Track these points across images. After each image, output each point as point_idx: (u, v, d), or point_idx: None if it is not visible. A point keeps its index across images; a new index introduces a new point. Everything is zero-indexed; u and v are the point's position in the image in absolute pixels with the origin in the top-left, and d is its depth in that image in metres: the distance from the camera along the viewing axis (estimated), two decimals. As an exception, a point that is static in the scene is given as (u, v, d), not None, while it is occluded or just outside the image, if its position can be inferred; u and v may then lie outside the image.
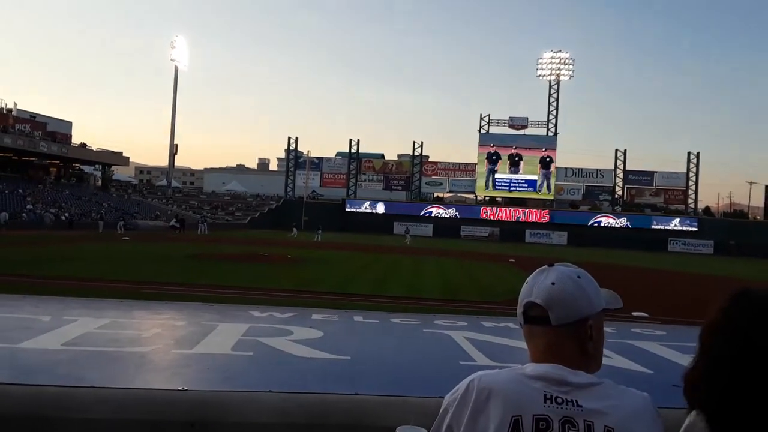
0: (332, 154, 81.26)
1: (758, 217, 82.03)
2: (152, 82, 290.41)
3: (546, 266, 1.48)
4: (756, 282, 25.43)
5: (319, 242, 44.82)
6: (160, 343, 5.87)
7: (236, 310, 9.93)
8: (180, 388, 3.45)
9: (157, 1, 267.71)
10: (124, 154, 76.37)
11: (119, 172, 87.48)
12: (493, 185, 74.43)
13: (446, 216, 72.22)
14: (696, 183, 71.94)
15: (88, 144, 69.78)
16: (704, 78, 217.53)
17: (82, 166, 73.36)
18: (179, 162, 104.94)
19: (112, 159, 74.11)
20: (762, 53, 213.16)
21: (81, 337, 5.50)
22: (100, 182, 73.82)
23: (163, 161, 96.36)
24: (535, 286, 1.44)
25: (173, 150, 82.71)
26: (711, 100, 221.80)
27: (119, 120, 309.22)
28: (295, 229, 53.20)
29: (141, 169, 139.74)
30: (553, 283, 1.41)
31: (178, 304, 10.63)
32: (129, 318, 7.40)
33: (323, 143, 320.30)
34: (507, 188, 74.61)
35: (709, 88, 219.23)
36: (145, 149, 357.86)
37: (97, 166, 74.29)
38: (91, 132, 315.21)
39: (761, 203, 79.38)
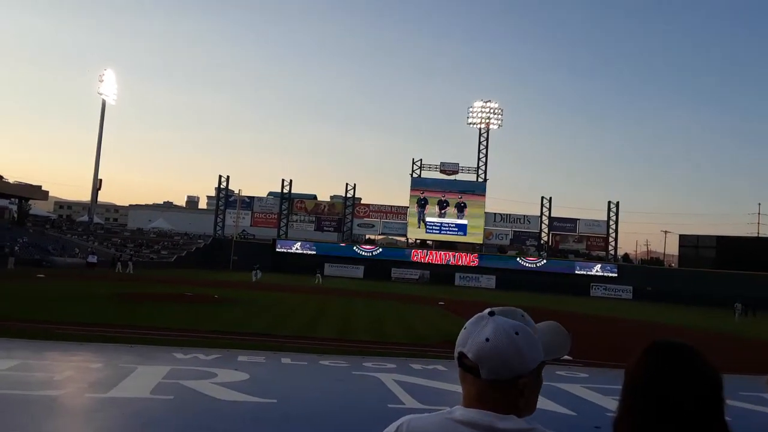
0: (264, 194, 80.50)
1: (673, 265, 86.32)
2: (77, 116, 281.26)
3: (487, 314, 1.42)
4: (670, 329, 26.41)
5: (252, 282, 44.03)
6: (72, 387, 5.53)
7: (157, 352, 9.52)
8: (92, 435, 3.26)
9: (85, 34, 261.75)
10: (43, 188, 73.09)
11: (38, 207, 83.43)
12: (425, 228, 75.46)
13: (377, 258, 72.41)
14: (616, 231, 75.29)
15: (4, 176, 66.47)
16: (624, 131, 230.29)
17: (-4, 199, 69.62)
18: (103, 198, 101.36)
19: (30, 193, 70.71)
20: (676, 110, 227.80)
21: (-15, 381, 5.11)
22: (15, 216, 70.16)
23: (86, 196, 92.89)
24: (470, 337, 1.39)
25: (97, 185, 79.83)
26: (631, 152, 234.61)
27: (40, 153, 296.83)
28: (258, 272, 50.99)
29: (61, 204, 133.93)
30: (487, 339, 1.36)
31: (94, 345, 10.12)
32: (40, 359, 6.97)
33: (255, 183, 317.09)
34: (438, 231, 75.75)
35: (629, 141, 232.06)
36: (67, 184, 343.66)
37: (13, 199, 70.68)
38: (8, 164, 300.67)
39: (676, 251, 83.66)
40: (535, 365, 1.39)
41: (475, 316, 1.44)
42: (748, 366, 15.45)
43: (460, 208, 74.75)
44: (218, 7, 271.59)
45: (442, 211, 75.02)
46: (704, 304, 52.39)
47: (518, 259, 73.89)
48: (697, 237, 76.87)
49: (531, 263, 72.48)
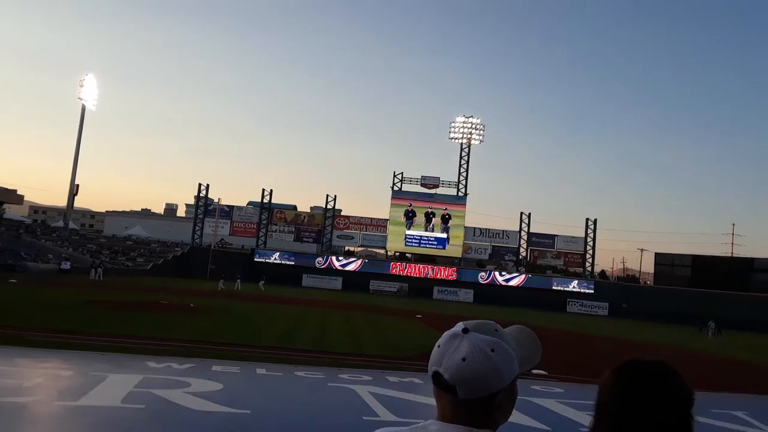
0: (244, 203, 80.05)
1: (648, 282, 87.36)
2: (56, 121, 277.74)
3: (461, 331, 1.37)
4: (644, 346, 26.70)
5: (228, 291, 43.88)
6: (41, 394, 5.43)
7: (130, 360, 9.38)
8: (60, 443, 3.19)
9: (66, 38, 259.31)
10: (18, 192, 71.94)
11: (12, 211, 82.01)
12: (405, 241, 75.49)
13: (356, 270, 72.27)
14: (593, 248, 75.95)
15: (-22, 179, 65.40)
16: (603, 149, 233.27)
17: (-31, 202, 68.37)
18: (80, 203, 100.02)
19: (5, 197, 69.54)
20: (654, 130, 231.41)
21: (-50, 387, 4.99)
22: (-12, 220, 68.89)
23: (61, 202, 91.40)
24: (446, 356, 1.35)
25: (73, 190, 78.74)
26: (609, 170, 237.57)
27: (16, 156, 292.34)
28: (239, 280, 51.56)
29: (36, 209, 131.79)
30: (463, 359, 1.32)
31: (64, 352, 9.94)
32: (10, 365, 6.83)
33: (235, 192, 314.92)
34: (417, 245, 75.85)
35: (608, 159, 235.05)
36: (43, 188, 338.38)
37: (-14, 202, 69.48)
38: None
39: (652, 269, 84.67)
40: (510, 379, 1.37)
41: (448, 333, 1.39)
42: (719, 383, 15.65)
43: (445, 220, 74.86)
44: (201, 14, 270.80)
45: (428, 224, 75.06)
46: (678, 322, 52.98)
47: (496, 273, 74.25)
48: (673, 256, 77.91)
49: (508, 278, 72.83)
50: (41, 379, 6.00)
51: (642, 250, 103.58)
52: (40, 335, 13.89)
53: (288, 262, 71.72)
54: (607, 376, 1.39)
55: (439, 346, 1.39)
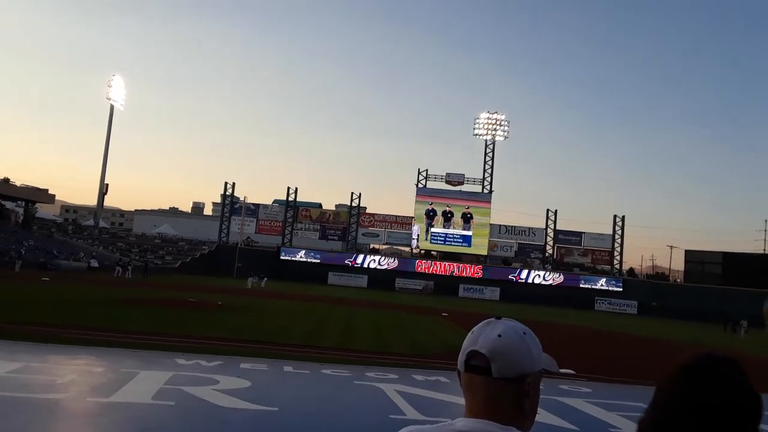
0: (269, 202, 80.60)
1: (678, 280, 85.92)
2: (86, 121, 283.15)
3: (494, 318, 1.47)
4: (675, 345, 26.24)
5: (255, 289, 44.51)
6: (75, 390, 5.54)
7: (160, 357, 9.53)
8: (94, 439, 3.25)
9: (95, 39, 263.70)
10: (50, 192, 73.40)
11: (44, 210, 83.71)
12: (430, 239, 75.33)
13: (381, 268, 72.33)
14: (621, 245, 74.93)
15: (11, 179, 66.83)
16: (632, 145, 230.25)
17: (3, 202, 69.97)
18: (109, 202, 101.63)
19: (37, 196, 71.07)
20: (683, 125, 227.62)
21: (-12, 383, 5.12)
22: (21, 219, 70.43)
23: (92, 201, 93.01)
24: (482, 336, 1.42)
25: (103, 189, 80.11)
26: (638, 166, 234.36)
27: (48, 156, 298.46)
28: (265, 278, 52.19)
29: (67, 208, 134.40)
30: (499, 336, 1.40)
31: (97, 349, 10.13)
32: (44, 362, 6.98)
33: (261, 190, 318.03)
34: (442, 242, 75.61)
35: (636, 154, 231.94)
36: (74, 188, 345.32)
37: (19, 202, 70.99)
38: (16, 167, 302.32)
39: (681, 267, 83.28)
40: (540, 366, 1.43)
41: (482, 321, 1.48)
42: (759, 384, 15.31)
43: (467, 219, 74.59)
44: (226, 14, 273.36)
45: (447, 223, 74.86)
46: (709, 321, 52.00)
47: (523, 271, 73.70)
48: (703, 253, 76.54)
49: (535, 275, 72.24)
50: (74, 375, 6.13)
51: (672, 247, 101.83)
52: (72, 332, 14.17)
53: (313, 260, 72.07)
54: (677, 366, 1.36)
55: (473, 332, 1.46)
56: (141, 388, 5.46)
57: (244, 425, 4.35)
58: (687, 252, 79.12)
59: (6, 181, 65.49)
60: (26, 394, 4.58)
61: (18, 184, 67.48)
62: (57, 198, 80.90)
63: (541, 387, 1.48)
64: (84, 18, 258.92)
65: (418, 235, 74.55)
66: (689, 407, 1.28)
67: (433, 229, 74.82)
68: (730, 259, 71.96)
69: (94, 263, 52.51)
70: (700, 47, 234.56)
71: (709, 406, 1.26)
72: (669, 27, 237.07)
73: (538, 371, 1.43)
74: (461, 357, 1.45)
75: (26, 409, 4.20)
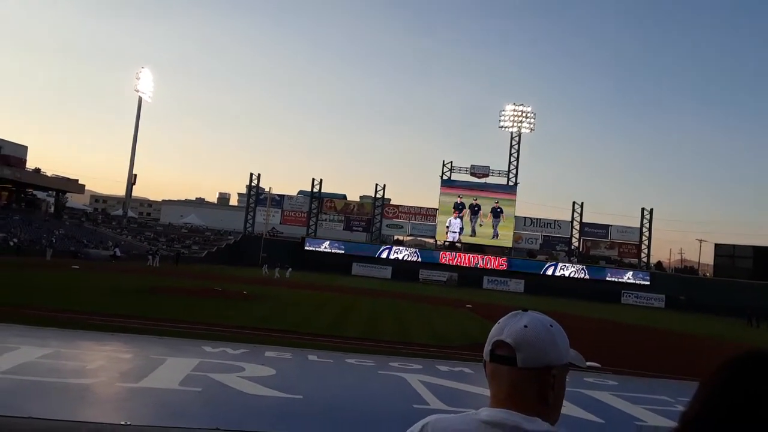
0: (294, 192, 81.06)
1: (708, 274, 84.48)
2: (114, 112, 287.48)
3: (520, 311, 1.48)
4: (703, 340, 25.85)
5: (279, 280, 44.96)
6: (104, 376, 5.66)
7: (187, 345, 9.68)
8: (122, 423, 3.32)
9: (124, 31, 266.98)
10: (80, 182, 74.72)
11: (74, 200, 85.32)
12: (461, 232, 74.93)
13: (405, 259, 72.36)
14: (649, 238, 73.88)
15: (42, 169, 68.13)
16: (660, 136, 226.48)
17: (35, 192, 71.41)
18: (137, 192, 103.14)
19: (67, 186, 72.40)
20: (713, 117, 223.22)
21: (21, 366, 5.26)
22: (52, 209, 71.86)
23: (120, 191, 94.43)
24: (507, 326, 1.43)
25: (131, 180, 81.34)
26: (666, 158, 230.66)
27: (78, 147, 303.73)
28: (289, 269, 52.68)
29: (97, 198, 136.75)
30: (525, 326, 1.41)
31: (125, 336, 10.30)
32: (73, 348, 7.13)
33: (286, 181, 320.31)
34: (472, 235, 75.27)
35: (665, 146, 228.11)
36: (103, 178, 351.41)
37: (50, 192, 72.42)
38: (47, 157, 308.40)
39: (711, 260, 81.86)
40: (565, 360, 1.43)
41: (509, 313, 1.49)
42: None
43: (496, 213, 74.09)
44: (253, 8, 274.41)
45: (474, 216, 74.42)
46: (740, 316, 51.10)
47: (548, 263, 73.14)
48: (734, 246, 75.11)
49: (560, 268, 71.64)
50: (103, 361, 6.24)
51: (701, 240, 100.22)
52: (101, 320, 14.45)
53: (338, 251, 72.36)
54: (726, 361, 1.34)
55: (499, 323, 1.47)
56: (168, 375, 5.55)
57: (268, 411, 4.39)
58: (717, 246, 77.69)
59: (37, 171, 66.81)
60: (56, 378, 4.68)
61: (49, 174, 68.85)
62: (87, 188, 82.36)
63: (567, 380, 1.48)
64: (113, 13, 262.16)
65: (460, 228, 74.20)
66: (736, 399, 1.26)
67: (456, 222, 74.52)
68: (761, 253, 70.47)
69: (118, 252, 53.31)
70: (734, 36, 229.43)
71: (757, 398, 1.24)
72: (700, 15, 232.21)
73: (564, 364, 1.43)
74: (487, 347, 1.46)
75: (56, 393, 4.29)
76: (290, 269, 52.68)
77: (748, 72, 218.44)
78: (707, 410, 1.30)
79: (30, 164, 67.41)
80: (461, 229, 74.33)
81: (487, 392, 1.45)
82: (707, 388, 1.34)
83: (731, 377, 1.31)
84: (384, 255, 72.20)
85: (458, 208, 74.46)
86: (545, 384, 1.39)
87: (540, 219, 75.87)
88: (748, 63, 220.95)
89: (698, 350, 21.82)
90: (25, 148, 68.74)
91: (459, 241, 75.00)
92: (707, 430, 1.28)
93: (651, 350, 20.88)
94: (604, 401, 6.94)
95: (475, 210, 74.32)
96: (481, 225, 74.55)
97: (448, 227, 74.40)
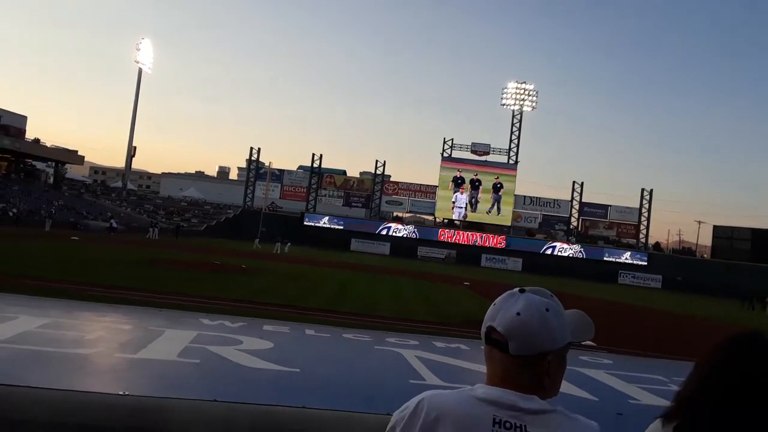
0: (294, 167, 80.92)
1: (705, 256, 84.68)
2: (114, 84, 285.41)
3: (517, 291, 1.43)
4: (698, 321, 26.00)
5: (278, 254, 45.17)
6: (102, 346, 5.70)
7: (185, 317, 9.73)
8: (121, 393, 3.34)
9: (123, 3, 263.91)
10: (79, 153, 74.47)
11: (73, 171, 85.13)
12: (455, 210, 74.95)
13: (404, 236, 72.47)
14: (648, 219, 73.97)
15: (42, 140, 67.85)
16: (661, 117, 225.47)
17: (34, 162, 71.20)
18: (137, 165, 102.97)
19: (67, 157, 72.18)
20: (713, 97, 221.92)
21: (20, 336, 5.30)
22: (52, 179, 71.72)
23: (120, 163, 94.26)
24: (501, 311, 1.40)
25: (131, 152, 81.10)
26: (667, 139, 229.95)
27: (77, 118, 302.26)
28: (288, 243, 52.88)
29: (96, 169, 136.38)
30: (518, 314, 1.37)
31: (124, 307, 10.35)
32: (72, 319, 7.16)
33: (286, 156, 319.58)
34: (473, 211, 75.24)
35: (665, 127, 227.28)
36: (103, 149, 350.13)
37: (50, 163, 72.22)
38: (46, 128, 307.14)
39: (709, 242, 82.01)
40: (562, 343, 1.40)
41: (506, 293, 1.45)
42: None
43: (496, 189, 73.93)
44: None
45: (474, 191, 74.23)
46: (736, 297, 51.36)
47: (546, 242, 73.28)
48: (732, 228, 75.22)
49: (559, 247, 71.79)
50: (102, 332, 6.28)
51: (700, 222, 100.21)
52: (100, 291, 14.51)
53: (337, 227, 72.43)
54: (722, 342, 1.35)
55: (495, 304, 1.44)
56: (167, 346, 5.59)
57: (265, 384, 4.43)
58: (715, 227, 77.79)
59: (36, 141, 66.55)
60: (55, 348, 4.71)
61: (48, 144, 68.57)
62: (86, 159, 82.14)
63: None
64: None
65: (466, 204, 74.03)
66: (731, 380, 1.27)
67: (459, 199, 74.43)
68: (759, 235, 70.61)
69: (115, 224, 52.80)
70: (734, 17, 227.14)
71: (752, 379, 1.25)
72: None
73: (561, 347, 1.40)
74: (483, 328, 1.44)
75: (55, 362, 4.32)
76: (289, 244, 52.74)
77: (750, 55, 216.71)
78: (702, 390, 1.31)
79: (29, 134, 67.16)
80: (467, 204, 74.22)
81: (483, 369, 1.45)
82: (703, 369, 1.35)
83: (727, 358, 1.32)
84: (384, 232, 72.27)
85: (458, 182, 74.29)
86: (540, 370, 1.38)
87: (539, 198, 75.86)
88: (749, 44, 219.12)
89: (693, 331, 21.99)
90: (24, 118, 68.38)
91: (465, 217, 74.91)
92: (702, 410, 1.29)
93: (646, 330, 21.02)
94: (599, 379, 7.00)
95: (475, 185, 74.16)
96: (478, 202, 74.44)
97: (454, 203, 74.28)
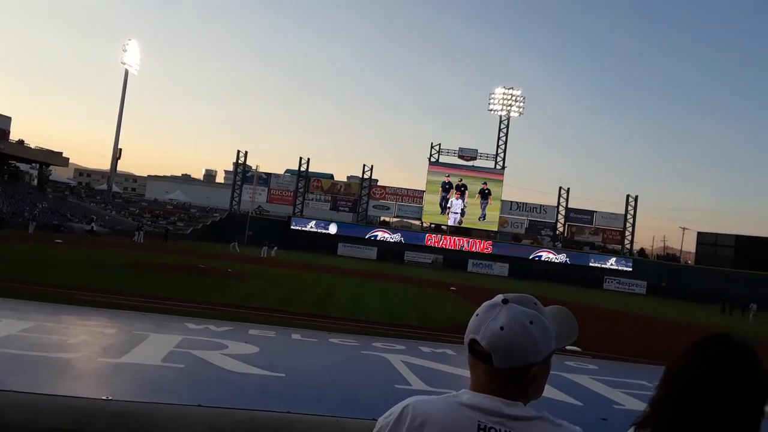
0: (281, 171, 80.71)
1: (689, 262, 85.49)
2: (100, 85, 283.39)
3: (500, 301, 1.41)
4: (682, 326, 26.20)
5: (264, 258, 44.91)
6: (86, 350, 5.65)
7: (170, 321, 9.66)
8: (104, 398, 3.31)
9: (109, 3, 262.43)
10: (64, 155, 73.75)
11: (57, 173, 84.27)
12: (449, 216, 74.94)
13: (391, 240, 72.48)
14: (633, 225, 74.54)
15: (26, 141, 67.13)
16: (646, 125, 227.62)
17: (18, 164, 70.45)
18: (123, 167, 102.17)
19: (51, 158, 71.45)
20: (698, 106, 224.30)
21: (2, 339, 5.23)
22: (36, 181, 70.97)
23: (105, 165, 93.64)
24: (484, 324, 1.38)
25: (117, 154, 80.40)
26: (652, 146, 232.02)
27: (62, 120, 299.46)
28: (275, 247, 52.63)
29: (81, 171, 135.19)
30: (501, 328, 1.35)
31: (108, 311, 10.26)
32: (55, 322, 7.10)
33: (273, 160, 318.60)
34: (460, 215, 75.34)
35: (651, 135, 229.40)
36: (88, 152, 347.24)
37: (34, 164, 71.45)
38: (31, 129, 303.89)
39: (693, 248, 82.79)
40: (547, 353, 1.40)
41: (487, 303, 1.43)
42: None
43: (485, 195, 74.08)
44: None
45: (460, 198, 74.35)
46: (719, 303, 51.89)
47: (533, 248, 73.56)
48: (716, 235, 75.99)
49: (545, 253, 72.10)
50: (86, 336, 6.22)
51: (684, 228, 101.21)
52: (84, 294, 14.37)
53: (323, 231, 72.29)
54: (694, 346, 1.37)
55: (477, 315, 1.42)
56: (151, 350, 5.55)
57: (251, 389, 4.41)
58: (699, 234, 78.56)
59: (21, 143, 65.85)
60: (38, 352, 4.66)
61: (32, 146, 67.86)
62: (71, 161, 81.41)
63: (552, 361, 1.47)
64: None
65: (462, 209, 74.04)
66: (697, 383, 1.29)
67: (449, 204, 74.50)
68: (743, 242, 71.40)
69: (95, 227, 52.12)
70: (718, 28, 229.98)
71: (717, 380, 1.27)
72: (687, 7, 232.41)
73: (546, 357, 1.40)
74: (466, 338, 1.43)
75: (38, 367, 4.27)
76: (276, 248, 52.53)
77: (735, 62, 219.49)
78: (672, 394, 1.33)
79: (13, 136, 66.43)
80: (462, 210, 74.21)
81: (468, 374, 1.45)
82: (671, 373, 1.37)
83: (693, 361, 1.34)
84: (370, 236, 72.19)
85: (446, 187, 74.42)
86: (525, 381, 1.38)
87: (526, 203, 76.21)
88: (733, 53, 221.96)
89: (677, 336, 22.18)
90: (8, 119, 67.62)
91: (460, 223, 74.92)
92: (672, 413, 1.31)
93: (631, 335, 21.17)
94: (584, 384, 7.04)
95: (461, 190, 74.31)
96: (466, 206, 74.56)
97: (449, 208, 74.33)
